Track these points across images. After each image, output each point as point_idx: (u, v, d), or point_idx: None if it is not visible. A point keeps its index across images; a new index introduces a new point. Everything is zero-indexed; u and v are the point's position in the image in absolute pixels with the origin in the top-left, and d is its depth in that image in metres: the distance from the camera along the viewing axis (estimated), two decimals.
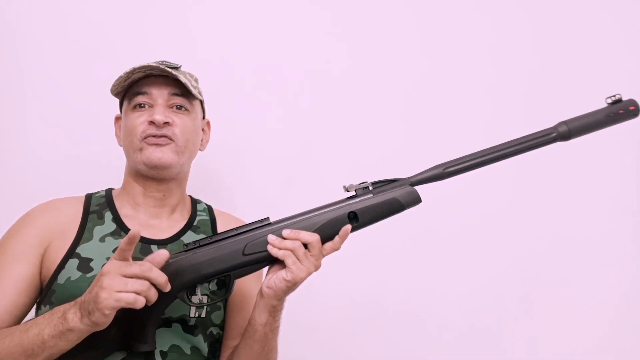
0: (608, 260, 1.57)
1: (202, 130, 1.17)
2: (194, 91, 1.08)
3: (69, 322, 0.83)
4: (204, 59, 1.41)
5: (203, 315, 1.03)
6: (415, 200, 0.96)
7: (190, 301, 0.96)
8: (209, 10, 1.54)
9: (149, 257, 0.88)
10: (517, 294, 1.54)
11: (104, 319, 0.82)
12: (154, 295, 0.84)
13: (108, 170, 1.30)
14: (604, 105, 0.96)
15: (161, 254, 0.88)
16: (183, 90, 1.08)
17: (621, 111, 0.94)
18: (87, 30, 1.47)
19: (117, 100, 1.15)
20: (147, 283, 0.83)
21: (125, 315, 0.90)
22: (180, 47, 1.47)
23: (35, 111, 1.45)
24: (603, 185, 1.60)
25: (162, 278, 0.85)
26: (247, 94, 1.53)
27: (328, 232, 0.94)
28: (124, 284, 0.81)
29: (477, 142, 1.48)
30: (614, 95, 0.95)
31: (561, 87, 1.61)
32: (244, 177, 1.51)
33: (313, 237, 0.92)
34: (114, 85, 1.10)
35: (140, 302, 0.82)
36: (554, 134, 0.96)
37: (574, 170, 1.57)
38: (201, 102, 1.16)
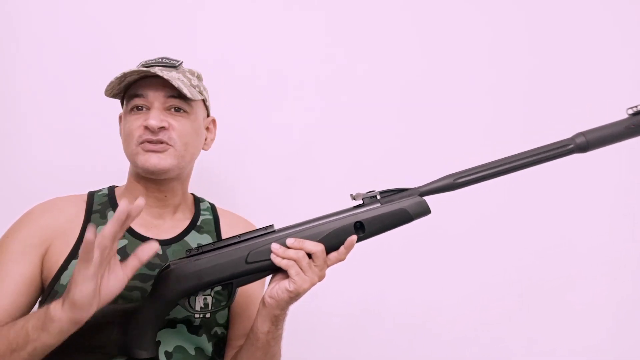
0: (608, 265, 1.55)
1: (207, 128, 1.13)
2: (190, 95, 1.02)
3: (51, 311, 0.81)
4: (204, 59, 1.38)
5: (207, 315, 1.02)
6: (425, 211, 0.93)
7: (193, 308, 0.95)
8: (209, 10, 1.52)
9: (139, 249, 0.84)
10: (516, 298, 1.53)
11: (81, 294, 0.77)
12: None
13: (108, 170, 1.28)
14: (624, 115, 0.91)
15: (152, 246, 0.84)
16: (180, 92, 1.02)
17: None
18: (88, 31, 1.46)
19: (117, 101, 1.11)
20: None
21: (125, 321, 0.89)
22: (181, 47, 1.44)
23: (36, 111, 1.43)
24: (603, 190, 1.57)
25: None
26: (247, 94, 1.51)
27: (333, 242, 0.91)
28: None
29: (477, 141, 1.46)
30: (636, 106, 0.90)
31: (560, 87, 1.58)
32: (244, 177, 1.50)
33: (317, 247, 0.90)
34: (106, 90, 1.04)
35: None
36: (571, 146, 0.92)
37: (574, 175, 1.53)
38: (204, 101, 1.11)
